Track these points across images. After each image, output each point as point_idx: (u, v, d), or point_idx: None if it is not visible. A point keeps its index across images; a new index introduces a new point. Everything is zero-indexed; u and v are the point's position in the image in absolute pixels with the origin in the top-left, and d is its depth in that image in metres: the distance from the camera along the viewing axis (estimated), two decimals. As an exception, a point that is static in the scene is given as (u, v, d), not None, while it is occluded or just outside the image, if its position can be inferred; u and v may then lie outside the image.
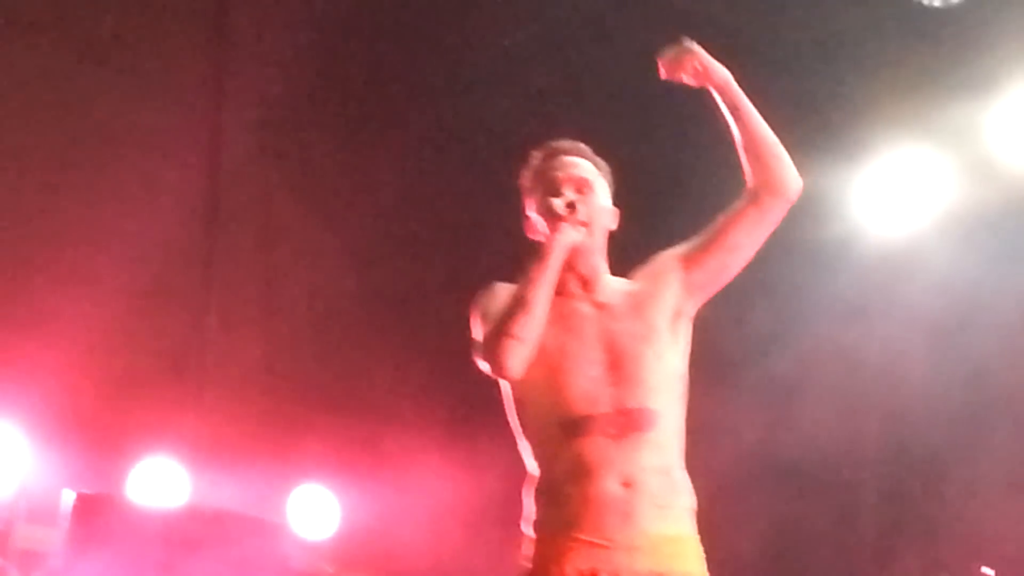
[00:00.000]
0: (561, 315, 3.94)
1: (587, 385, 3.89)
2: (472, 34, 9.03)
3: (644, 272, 4.10)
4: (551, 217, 3.96)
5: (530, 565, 3.88)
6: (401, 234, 9.60)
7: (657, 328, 3.98)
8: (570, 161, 4.08)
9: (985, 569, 8.58)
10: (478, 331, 3.95)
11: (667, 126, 8.12)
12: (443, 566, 8.96)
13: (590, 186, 4.05)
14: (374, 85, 9.49)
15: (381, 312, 9.60)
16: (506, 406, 4.03)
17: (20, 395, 7.76)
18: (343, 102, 9.54)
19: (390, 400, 9.33)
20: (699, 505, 3.97)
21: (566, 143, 4.14)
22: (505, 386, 3.99)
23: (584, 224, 3.96)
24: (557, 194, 4.01)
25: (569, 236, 3.92)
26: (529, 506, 3.95)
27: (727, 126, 4.04)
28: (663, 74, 4.03)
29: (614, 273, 4.12)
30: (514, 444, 4.03)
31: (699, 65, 3.97)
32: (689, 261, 4.05)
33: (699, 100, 4.07)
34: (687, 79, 4.00)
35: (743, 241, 4.02)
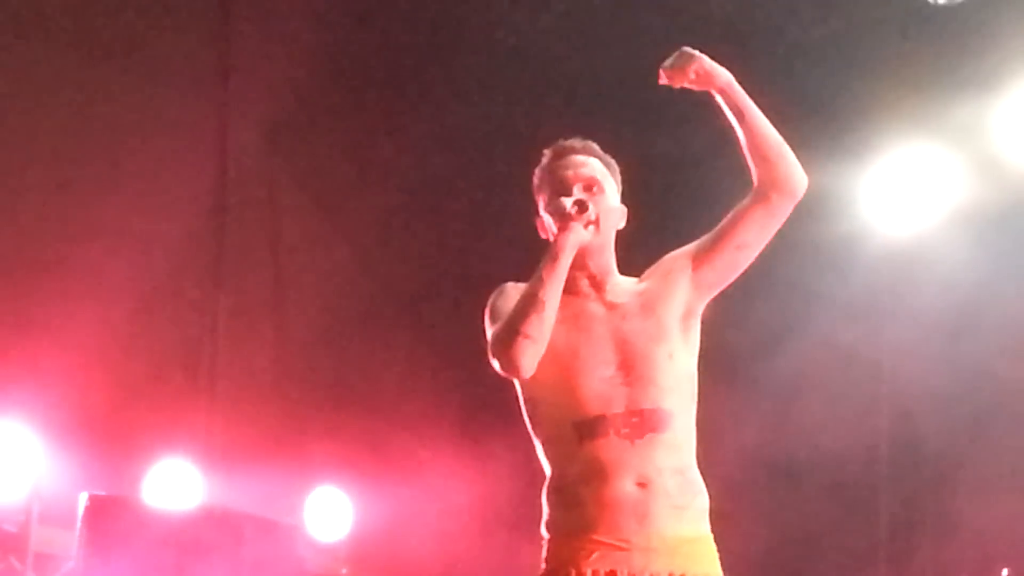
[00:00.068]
0: (572, 315, 3.95)
1: (600, 386, 3.89)
2: (481, 31, 9.04)
3: (653, 272, 4.11)
4: (560, 216, 3.94)
5: (546, 567, 3.88)
6: (412, 234, 9.60)
7: (668, 327, 3.98)
8: (580, 160, 4.08)
9: (1004, 572, 8.58)
10: (490, 330, 3.94)
11: (676, 124, 8.12)
12: (457, 567, 8.97)
13: (599, 185, 4.05)
14: (382, 83, 9.51)
15: (393, 312, 9.61)
16: (520, 406, 4.03)
17: (34, 397, 7.75)
18: (352, 100, 9.55)
19: (402, 401, 9.35)
20: (711, 504, 3.97)
21: (576, 141, 4.13)
22: (518, 387, 3.99)
23: (593, 223, 3.96)
24: (566, 193, 3.99)
25: (578, 235, 3.91)
26: (545, 508, 3.95)
27: (731, 128, 4.03)
28: (665, 82, 4.03)
29: (623, 272, 4.12)
30: (526, 445, 4.03)
31: (700, 71, 3.97)
32: (698, 260, 4.05)
33: (707, 98, 4.07)
34: (689, 85, 4.00)
35: (751, 239, 4.02)
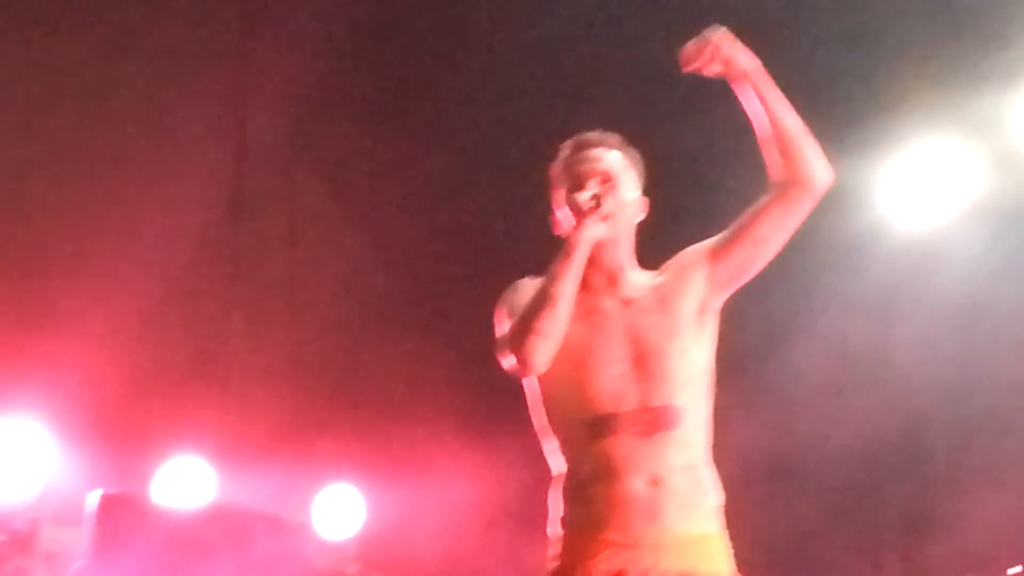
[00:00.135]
0: (586, 311, 3.91)
1: (612, 383, 3.86)
2: (501, 24, 9.02)
3: (670, 266, 4.07)
4: (575, 211, 3.91)
5: (557, 565, 3.86)
6: (428, 229, 9.60)
7: (682, 323, 3.95)
8: (596, 154, 4.04)
9: (1012, 570, 8.55)
10: (503, 327, 3.92)
11: (696, 117, 8.10)
12: (466, 565, 8.95)
13: (615, 179, 4.00)
14: (401, 77, 9.51)
15: (406, 310, 9.60)
16: (531, 405, 4.00)
17: (46, 395, 7.75)
18: (370, 95, 9.56)
19: (414, 398, 9.34)
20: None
21: (595, 135, 4.10)
22: (530, 384, 3.96)
23: (608, 218, 3.91)
24: (581, 188, 3.96)
25: (593, 230, 3.88)
26: (555, 506, 3.93)
27: (750, 117, 3.97)
28: (684, 65, 3.95)
29: (643, 264, 4.09)
30: (539, 442, 4.00)
31: (725, 54, 3.89)
32: (715, 255, 4.01)
33: (728, 91, 4.01)
34: (711, 69, 3.93)
35: (770, 234, 3.97)
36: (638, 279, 4.04)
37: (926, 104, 8.33)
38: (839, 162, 4.00)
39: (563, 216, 3.99)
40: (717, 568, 3.85)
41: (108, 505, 7.57)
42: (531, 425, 4.02)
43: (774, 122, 3.93)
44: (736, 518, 3.95)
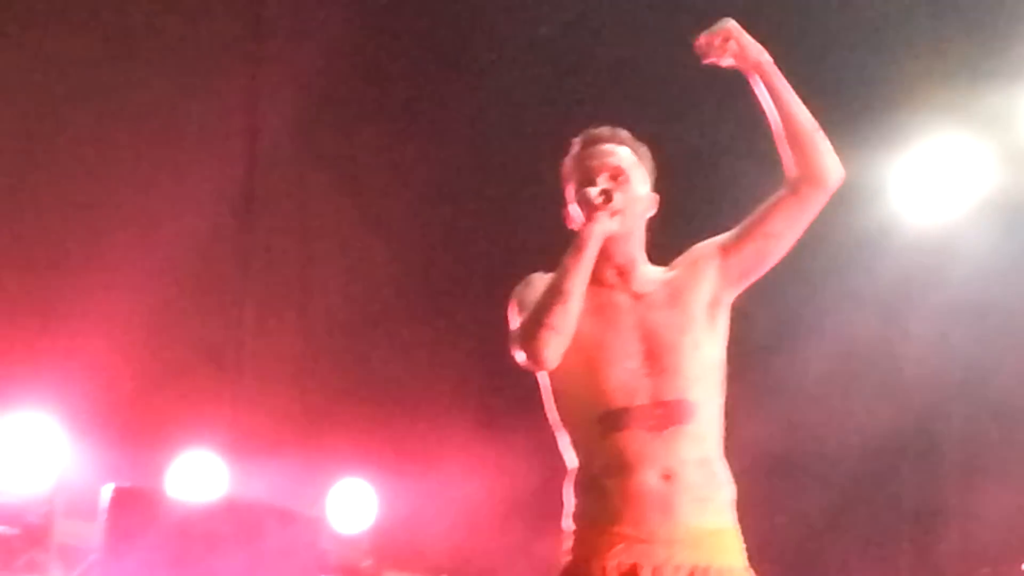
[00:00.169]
0: (598, 306, 3.93)
1: (625, 377, 3.87)
2: (510, 22, 9.03)
3: (682, 261, 4.09)
4: (586, 206, 3.93)
5: (570, 559, 3.87)
6: (437, 225, 9.61)
7: (694, 317, 3.97)
8: (607, 149, 4.06)
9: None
10: (515, 322, 3.94)
11: (708, 113, 8.12)
12: (480, 558, 8.96)
13: (626, 174, 4.02)
14: (411, 74, 9.52)
15: (419, 303, 9.62)
16: (544, 399, 4.01)
17: (58, 389, 7.76)
18: (380, 92, 9.56)
19: (427, 392, 9.35)
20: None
21: (605, 130, 4.11)
22: (543, 379, 3.98)
23: (619, 213, 3.92)
24: (592, 183, 3.98)
25: (603, 225, 3.89)
26: (569, 500, 3.94)
27: (764, 111, 3.99)
28: (700, 54, 3.97)
29: (655, 260, 4.11)
30: (550, 436, 4.02)
31: (736, 45, 3.92)
32: (726, 249, 4.03)
33: (740, 86, 4.04)
34: (724, 61, 3.96)
35: (781, 230, 3.98)
36: (650, 274, 4.05)
37: (936, 100, 8.33)
38: (850, 159, 4.01)
39: (574, 211, 4.00)
40: (731, 562, 3.86)
41: (122, 498, 7.56)
42: (544, 419, 4.03)
43: (785, 117, 3.95)
44: (746, 513, 3.96)
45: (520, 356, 3.83)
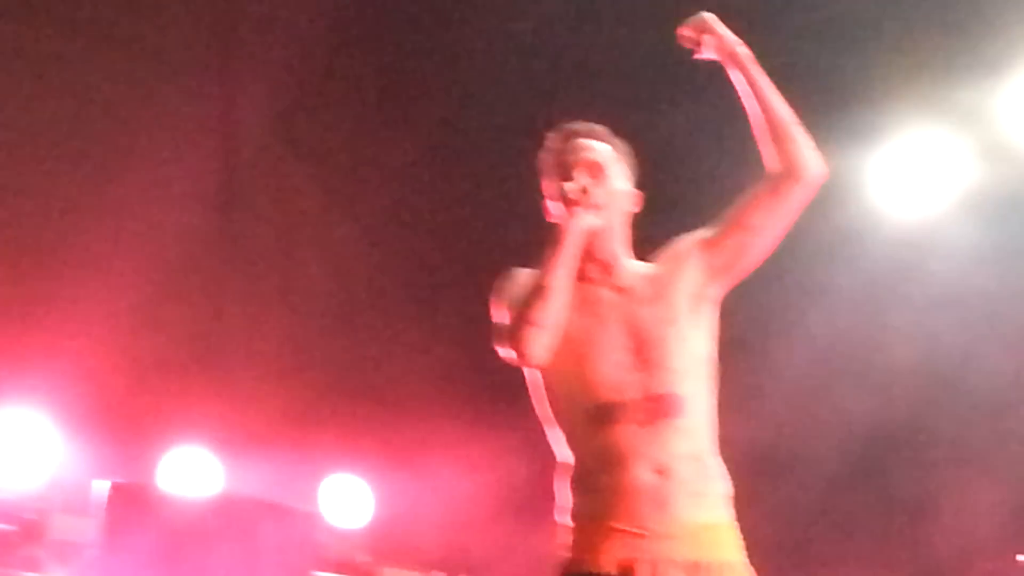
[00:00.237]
0: (583, 301, 3.93)
1: (613, 372, 3.87)
2: (487, 13, 9.01)
3: (665, 255, 4.09)
4: (565, 202, 3.91)
5: (566, 554, 3.87)
6: (419, 217, 9.61)
7: (679, 310, 3.96)
8: (585, 144, 4.06)
9: (1021, 557, 8.60)
10: (499, 318, 3.93)
11: (687, 106, 8.12)
12: (475, 552, 8.99)
13: (604, 170, 4.02)
14: (388, 68, 9.48)
15: (404, 297, 9.62)
16: (532, 395, 4.01)
17: (50, 386, 7.79)
18: (358, 86, 9.52)
19: (416, 386, 9.35)
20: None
21: (582, 125, 4.11)
22: (531, 375, 3.98)
23: (597, 208, 3.92)
24: (570, 178, 3.97)
25: (583, 221, 3.88)
26: (563, 495, 3.94)
27: (743, 104, 4.01)
28: (684, 45, 4.01)
29: (639, 255, 4.12)
30: (543, 430, 4.02)
31: (714, 37, 3.97)
32: (707, 243, 4.03)
33: (721, 81, 4.05)
34: (705, 52, 3.99)
35: (761, 223, 3.99)
36: (633, 269, 4.06)
37: (914, 96, 8.31)
38: (828, 154, 4.01)
39: (554, 206, 4.00)
40: (728, 556, 3.85)
41: (116, 495, 7.59)
42: (535, 413, 4.03)
43: (764, 109, 3.97)
44: (736, 509, 3.96)
45: (507, 353, 3.82)
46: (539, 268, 3.85)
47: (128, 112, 8.63)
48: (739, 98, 4.03)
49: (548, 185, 4.08)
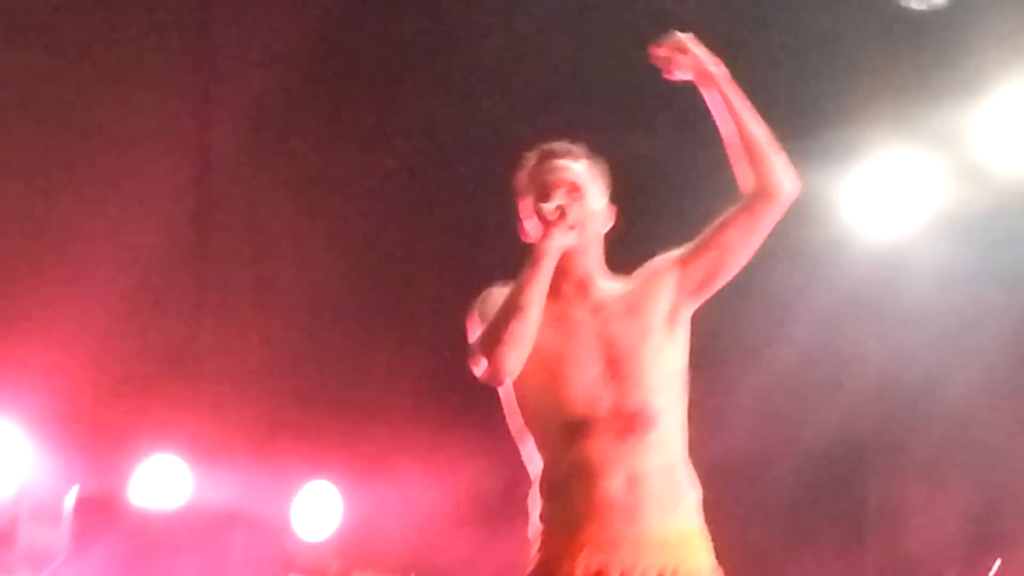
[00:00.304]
0: (557, 319, 3.94)
1: (586, 387, 3.90)
2: (463, 27, 9.02)
3: (640, 273, 4.11)
4: (542, 222, 3.93)
5: (537, 562, 3.89)
6: (394, 230, 9.60)
7: (654, 327, 3.99)
8: (561, 164, 4.06)
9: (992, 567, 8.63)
10: (474, 336, 3.95)
11: (664, 123, 8.13)
12: (446, 561, 8.98)
13: (581, 190, 4.03)
14: (364, 81, 9.46)
15: (377, 308, 9.61)
16: (506, 409, 4.03)
17: (21, 395, 7.77)
18: (333, 98, 9.49)
19: (390, 396, 9.34)
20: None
21: (559, 145, 4.12)
22: (505, 390, 4.00)
23: (574, 228, 3.94)
24: (547, 198, 3.97)
25: (559, 241, 3.90)
26: (535, 506, 3.96)
27: (718, 125, 4.03)
28: (658, 66, 4.01)
29: (613, 270, 4.14)
30: (513, 440, 4.04)
31: (689, 57, 3.97)
32: (683, 261, 4.05)
33: (697, 99, 4.06)
34: (678, 72, 4.00)
35: (736, 242, 4.01)
36: (608, 286, 4.08)
37: (887, 116, 8.30)
38: (802, 173, 4.04)
39: (530, 226, 4.02)
40: (698, 563, 3.89)
41: (86, 504, 7.58)
42: (504, 420, 4.05)
43: (740, 130, 3.98)
44: (707, 519, 4.00)
45: (479, 369, 3.84)
46: (513, 287, 3.87)
47: (103, 124, 8.61)
48: (713, 117, 4.04)
49: (524, 204, 4.08)
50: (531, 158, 4.14)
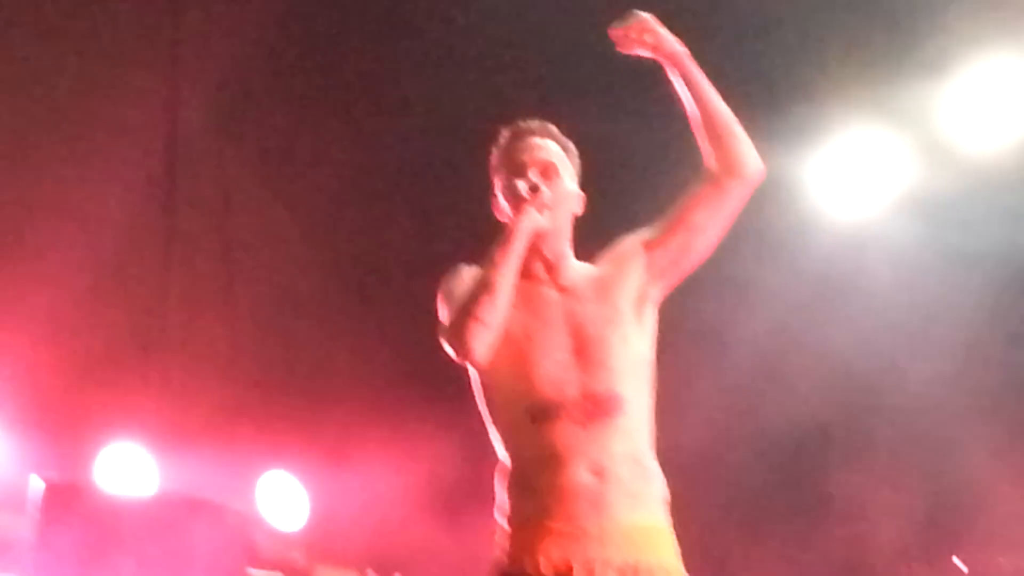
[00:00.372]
0: (526, 299, 3.93)
1: (553, 370, 3.87)
2: (434, 8, 9.00)
3: (608, 256, 4.09)
4: (515, 199, 3.93)
5: (503, 555, 3.86)
6: (362, 217, 9.59)
7: (622, 311, 3.97)
8: (537, 143, 4.06)
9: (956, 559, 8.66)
10: (444, 313, 3.93)
11: (631, 105, 8.12)
12: (411, 552, 8.98)
13: (556, 169, 4.03)
14: (331, 62, 9.46)
15: (343, 295, 9.60)
16: (475, 392, 4.01)
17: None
18: (300, 79, 9.50)
19: (353, 385, 9.34)
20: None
21: (535, 123, 4.11)
22: (473, 372, 3.97)
23: (548, 207, 3.93)
24: (522, 176, 3.98)
25: (532, 220, 3.89)
26: (501, 495, 3.93)
27: (682, 103, 4.00)
28: (616, 44, 3.99)
29: (578, 255, 4.11)
30: (479, 428, 4.01)
31: (650, 36, 3.95)
32: (650, 244, 4.04)
33: (663, 78, 4.03)
34: (640, 51, 3.97)
35: (703, 222, 4.00)
36: (577, 269, 4.06)
37: (854, 95, 8.34)
38: (767, 154, 4.03)
39: (503, 203, 4.01)
40: (664, 559, 3.85)
41: (51, 492, 7.56)
42: (470, 411, 4.03)
43: (703, 108, 3.97)
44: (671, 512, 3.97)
45: (450, 349, 3.82)
46: (485, 265, 3.85)
47: (69, 108, 8.58)
48: (677, 97, 4.02)
49: (498, 182, 4.08)
50: (506, 135, 4.13)
